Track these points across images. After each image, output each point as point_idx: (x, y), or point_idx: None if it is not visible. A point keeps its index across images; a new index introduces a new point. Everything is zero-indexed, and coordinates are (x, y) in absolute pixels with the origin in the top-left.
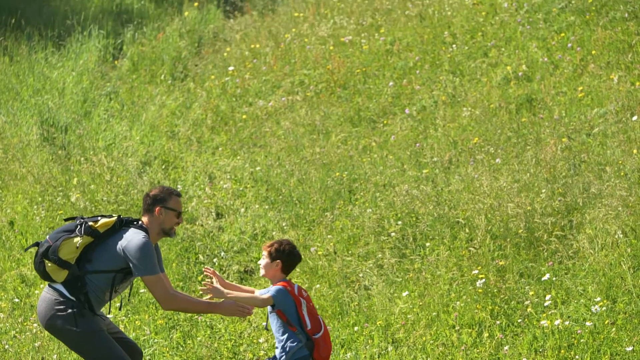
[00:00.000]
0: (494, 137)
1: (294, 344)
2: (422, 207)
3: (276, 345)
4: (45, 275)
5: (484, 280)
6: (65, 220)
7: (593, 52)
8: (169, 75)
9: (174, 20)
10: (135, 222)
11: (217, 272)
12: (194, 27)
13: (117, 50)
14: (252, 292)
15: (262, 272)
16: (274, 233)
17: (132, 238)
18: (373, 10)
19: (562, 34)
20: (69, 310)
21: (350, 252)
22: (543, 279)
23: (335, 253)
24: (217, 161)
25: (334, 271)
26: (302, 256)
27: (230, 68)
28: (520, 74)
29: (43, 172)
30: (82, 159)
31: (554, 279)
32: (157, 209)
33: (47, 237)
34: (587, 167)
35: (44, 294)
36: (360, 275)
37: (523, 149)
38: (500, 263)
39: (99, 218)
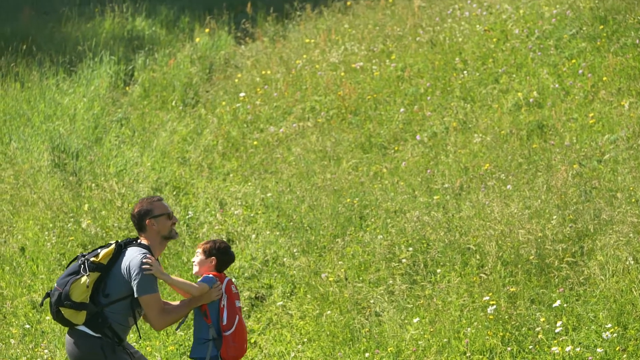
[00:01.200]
0: (505, 164)
1: (203, 340)
2: (433, 234)
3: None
4: (65, 322)
5: (495, 306)
6: (68, 264)
7: (604, 78)
8: (180, 101)
9: (185, 47)
10: (135, 242)
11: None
12: (205, 54)
13: (128, 76)
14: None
15: (195, 269)
16: (284, 259)
17: (132, 258)
18: (384, 36)
19: (573, 61)
20: (99, 351)
21: (361, 278)
22: (554, 305)
23: (346, 279)
24: (228, 187)
25: (345, 297)
26: (235, 256)
27: (242, 94)
28: (531, 100)
29: (54, 198)
30: (93, 185)
31: (565, 305)
32: (147, 222)
33: (55, 285)
34: (598, 193)
35: (69, 339)
36: (371, 301)
37: (534, 175)
38: (511, 289)
39: (99, 250)
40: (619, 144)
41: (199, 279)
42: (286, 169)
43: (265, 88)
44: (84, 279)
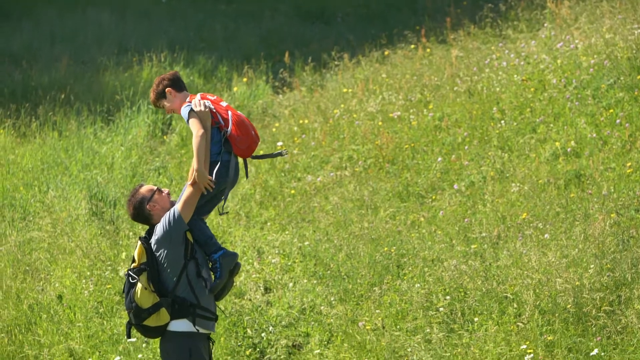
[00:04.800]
0: (543, 213)
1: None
2: (470, 282)
3: None
4: (158, 330)
5: (532, 355)
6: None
7: None
8: None
9: (223, 96)
10: (150, 228)
11: None
12: (243, 102)
13: (166, 125)
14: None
15: (171, 111)
16: (322, 307)
17: (155, 230)
18: (422, 86)
19: (611, 110)
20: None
21: (398, 326)
22: (591, 354)
23: (383, 328)
24: (265, 236)
25: (382, 346)
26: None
27: (279, 143)
28: (568, 149)
29: (92, 246)
30: (131, 233)
31: (602, 354)
32: (148, 209)
33: (127, 311)
34: (636, 242)
35: (166, 347)
36: (409, 349)
37: (571, 224)
38: (549, 338)
39: (134, 257)
40: None
41: (183, 114)
42: (323, 218)
43: (303, 137)
44: (138, 285)
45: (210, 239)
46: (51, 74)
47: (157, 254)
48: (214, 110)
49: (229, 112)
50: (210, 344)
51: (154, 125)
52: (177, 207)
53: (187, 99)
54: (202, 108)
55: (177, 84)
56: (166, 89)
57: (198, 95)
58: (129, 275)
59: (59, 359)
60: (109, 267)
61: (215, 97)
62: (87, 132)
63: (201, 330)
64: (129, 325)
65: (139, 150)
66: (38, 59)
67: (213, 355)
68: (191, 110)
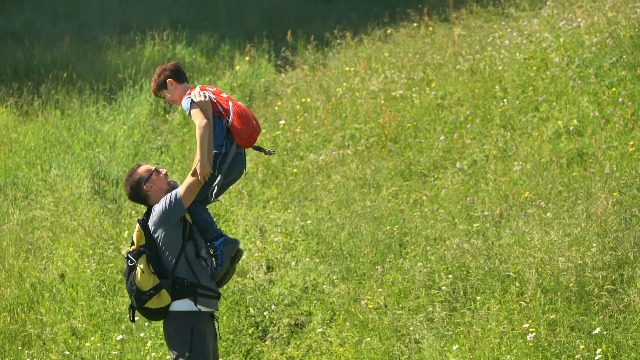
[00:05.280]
0: (545, 191)
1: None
2: (472, 261)
3: None
4: (160, 311)
5: (534, 334)
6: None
7: None
8: None
9: (225, 74)
10: (148, 210)
11: None
12: (245, 81)
13: (168, 104)
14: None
15: (173, 102)
16: (324, 286)
17: (153, 212)
18: (424, 64)
19: (613, 89)
20: (188, 331)
21: (400, 305)
22: (594, 332)
23: (385, 306)
24: (267, 215)
25: (385, 324)
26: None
27: (282, 122)
28: (571, 128)
29: (94, 225)
30: (133, 212)
31: (604, 332)
32: (145, 189)
33: (128, 294)
34: (638, 221)
35: (169, 327)
36: (411, 328)
37: (574, 203)
38: (551, 317)
39: (133, 240)
40: None
41: (184, 106)
42: (326, 197)
43: (305, 116)
44: (137, 268)
45: (211, 226)
46: (53, 52)
47: (155, 235)
48: (215, 100)
49: (230, 103)
50: (215, 322)
51: (156, 104)
52: (179, 191)
53: (188, 92)
54: (203, 98)
55: (178, 75)
56: (167, 80)
57: (197, 87)
58: (128, 258)
59: (62, 337)
60: (112, 246)
61: (215, 88)
62: (90, 110)
63: (203, 309)
64: (132, 309)
65: (142, 129)
66: (40, 37)
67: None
68: (192, 101)
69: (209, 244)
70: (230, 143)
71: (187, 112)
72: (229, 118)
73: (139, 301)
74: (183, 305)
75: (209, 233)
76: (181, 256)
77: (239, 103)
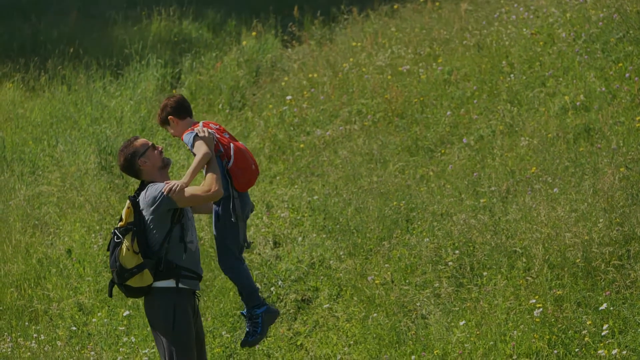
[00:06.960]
0: (552, 167)
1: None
2: (479, 237)
3: None
4: (141, 290)
5: (541, 309)
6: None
7: None
8: (226, 104)
9: (232, 50)
10: (140, 186)
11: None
12: (252, 57)
13: (175, 79)
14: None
15: (175, 135)
16: (331, 262)
17: (147, 192)
18: (431, 40)
19: (620, 64)
20: (170, 311)
21: (407, 281)
22: (600, 308)
23: (392, 282)
24: (274, 190)
25: (391, 300)
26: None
27: (288, 97)
28: (578, 103)
29: (101, 200)
30: None
31: (611, 308)
32: (138, 163)
33: (110, 269)
34: None
35: (150, 304)
36: (418, 304)
37: (581, 178)
38: (558, 292)
39: (121, 216)
40: None
41: (186, 141)
42: (332, 172)
43: (312, 91)
44: (123, 245)
45: (256, 292)
46: (60, 27)
47: (145, 214)
48: (216, 140)
49: (231, 145)
50: (196, 299)
51: (162, 79)
52: (179, 188)
53: (191, 127)
54: (206, 134)
55: (178, 111)
56: (168, 117)
57: (201, 123)
58: (115, 234)
59: (68, 313)
60: (118, 222)
61: (218, 125)
62: (96, 86)
63: (185, 287)
64: (112, 284)
65: (148, 104)
66: (47, 12)
67: (223, 310)
68: (196, 135)
69: (249, 310)
70: (231, 186)
71: (190, 147)
72: (229, 161)
73: (121, 278)
74: (166, 282)
75: (253, 299)
76: (167, 238)
77: (240, 144)
